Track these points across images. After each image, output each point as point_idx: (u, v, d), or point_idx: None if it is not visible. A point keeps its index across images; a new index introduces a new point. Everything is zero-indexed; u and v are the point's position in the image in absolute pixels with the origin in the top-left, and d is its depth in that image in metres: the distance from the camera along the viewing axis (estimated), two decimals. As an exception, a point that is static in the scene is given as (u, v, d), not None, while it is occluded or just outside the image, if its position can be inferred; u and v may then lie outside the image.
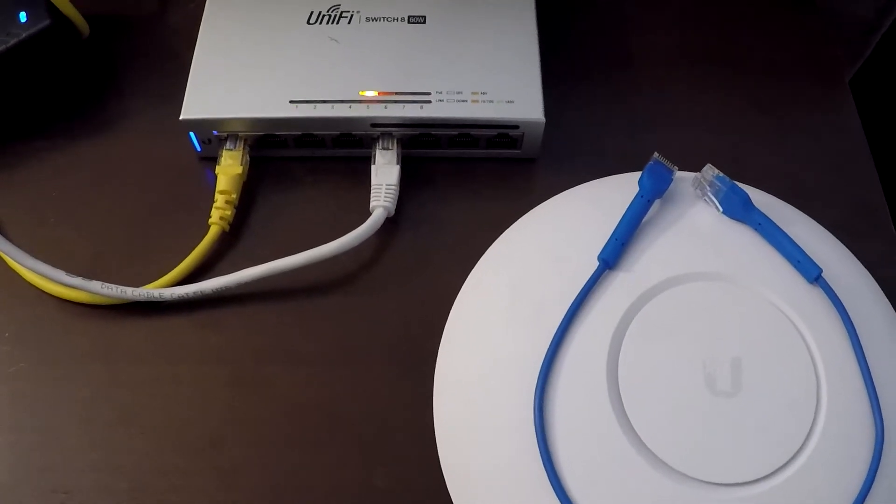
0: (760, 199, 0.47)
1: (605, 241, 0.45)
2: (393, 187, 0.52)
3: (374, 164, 0.53)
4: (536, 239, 0.48)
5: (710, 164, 0.47)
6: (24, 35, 0.54)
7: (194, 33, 0.56)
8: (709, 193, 0.46)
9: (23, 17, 0.54)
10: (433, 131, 0.53)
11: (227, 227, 0.53)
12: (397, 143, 0.54)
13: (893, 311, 0.46)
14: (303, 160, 0.56)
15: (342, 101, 0.52)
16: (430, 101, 0.53)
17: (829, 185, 0.56)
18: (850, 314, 0.43)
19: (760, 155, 0.57)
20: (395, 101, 0.53)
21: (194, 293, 0.50)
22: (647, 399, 0.41)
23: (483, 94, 0.53)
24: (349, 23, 0.56)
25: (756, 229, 0.46)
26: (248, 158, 0.54)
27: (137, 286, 0.50)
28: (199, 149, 0.55)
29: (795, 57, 0.62)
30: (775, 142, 0.58)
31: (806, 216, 0.49)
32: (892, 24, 0.70)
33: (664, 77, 0.60)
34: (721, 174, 0.46)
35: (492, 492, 0.42)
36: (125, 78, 0.59)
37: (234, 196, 0.53)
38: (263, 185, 0.55)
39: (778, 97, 0.60)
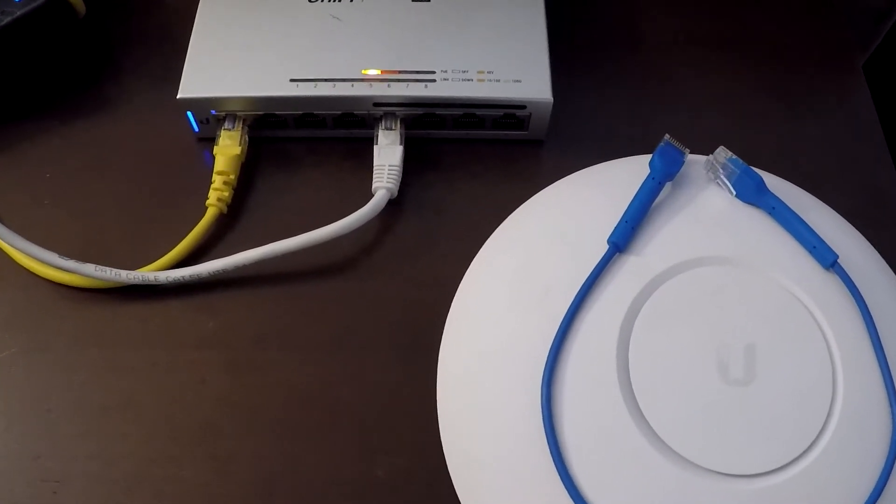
0: (773, 183, 0.47)
1: (615, 224, 0.44)
2: (396, 168, 0.51)
3: (377, 144, 0.52)
4: (544, 221, 0.47)
5: (722, 146, 0.46)
6: (18, 13, 0.53)
7: (192, 13, 0.55)
8: (721, 176, 0.45)
9: (17, -6, 0.53)
10: (438, 111, 0.52)
11: (225, 209, 0.52)
12: (401, 123, 0.53)
13: (910, 298, 0.45)
14: (303, 141, 0.55)
15: (344, 80, 0.52)
16: (434, 80, 0.52)
17: (842, 172, 0.55)
18: (866, 301, 0.42)
19: (771, 140, 0.56)
20: (399, 80, 0.52)
21: (191, 276, 0.49)
22: (659, 387, 0.40)
23: (489, 73, 0.52)
24: (351, 0, 0.55)
25: (770, 213, 0.45)
26: (247, 139, 0.53)
27: (132, 269, 0.49)
28: (196, 129, 0.54)
29: (808, 41, 0.61)
30: (787, 127, 0.57)
31: (820, 201, 0.48)
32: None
33: (674, 60, 0.60)
34: (734, 156, 0.46)
35: (497, 482, 0.41)
36: (122, 58, 0.58)
37: (232, 177, 0.52)
38: (262, 167, 0.54)
39: (790, 82, 0.59)
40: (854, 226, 0.47)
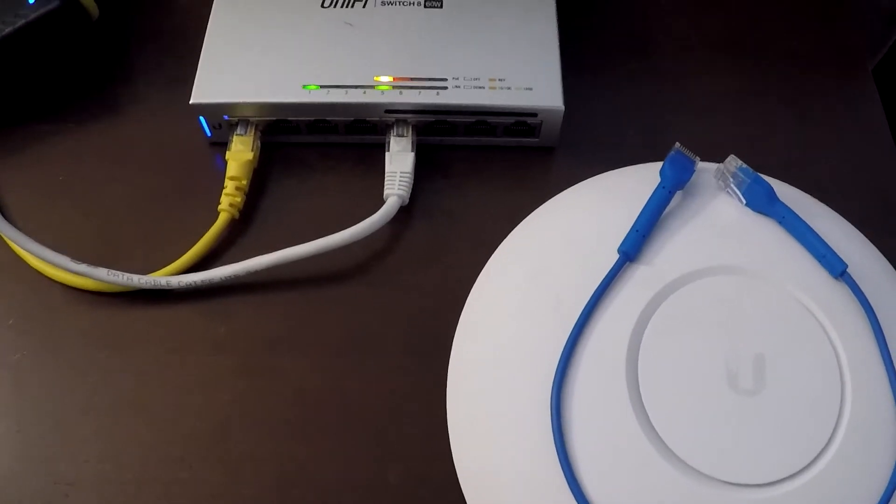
0: (783, 191, 0.46)
1: (626, 232, 0.44)
2: (407, 175, 0.52)
3: (389, 151, 0.52)
4: (555, 229, 0.47)
5: (733, 155, 0.46)
6: (32, 16, 0.53)
7: (205, 14, 0.55)
8: (731, 185, 0.45)
9: (31, -3, 0.53)
10: (449, 118, 0.53)
11: (237, 214, 0.52)
12: (412, 130, 0.53)
13: (920, 308, 0.45)
14: (315, 146, 0.55)
15: (356, 87, 0.52)
16: (446, 88, 0.52)
17: (852, 178, 0.55)
18: (875, 311, 0.42)
19: (781, 146, 0.56)
20: (411, 87, 0.52)
21: (202, 281, 0.49)
22: (668, 396, 0.40)
23: (501, 80, 0.52)
24: (364, 6, 0.55)
25: (780, 222, 0.45)
26: (260, 144, 0.53)
27: (144, 272, 0.49)
28: (209, 134, 0.54)
29: (818, 46, 0.61)
30: (797, 133, 0.57)
31: (830, 210, 0.48)
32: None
33: (684, 66, 0.60)
34: (744, 165, 0.46)
35: (506, 491, 0.41)
36: (135, 61, 0.59)
37: (244, 182, 0.52)
38: (274, 172, 0.54)
39: (800, 86, 0.59)
40: (864, 233, 0.47)
